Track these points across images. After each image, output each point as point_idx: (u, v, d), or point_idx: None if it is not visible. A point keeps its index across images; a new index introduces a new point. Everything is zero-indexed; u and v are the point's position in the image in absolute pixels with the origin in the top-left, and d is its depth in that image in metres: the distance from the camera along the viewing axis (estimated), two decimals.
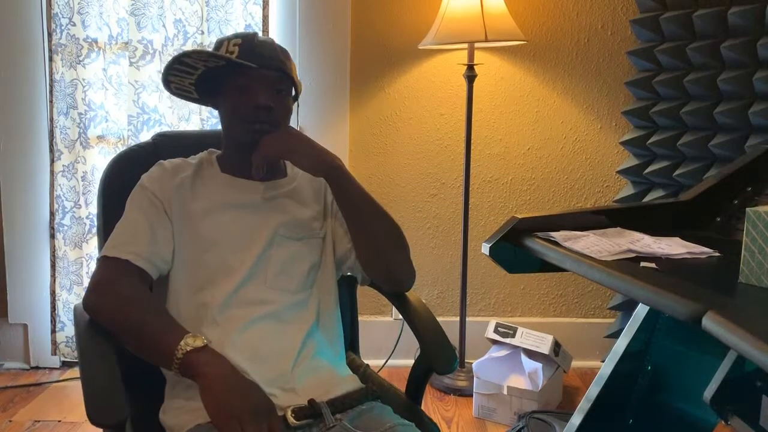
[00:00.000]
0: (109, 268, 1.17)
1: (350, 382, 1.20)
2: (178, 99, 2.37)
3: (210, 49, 1.25)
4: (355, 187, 1.25)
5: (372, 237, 1.26)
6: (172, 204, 1.23)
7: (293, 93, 1.31)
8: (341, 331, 1.31)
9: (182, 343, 1.05)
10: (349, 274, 1.36)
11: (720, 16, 1.94)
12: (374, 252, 1.26)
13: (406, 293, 1.34)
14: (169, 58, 2.35)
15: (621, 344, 1.22)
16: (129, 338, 1.12)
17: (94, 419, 0.97)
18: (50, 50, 2.39)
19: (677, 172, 2.12)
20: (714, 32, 1.98)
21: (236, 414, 0.99)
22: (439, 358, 1.21)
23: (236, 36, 1.25)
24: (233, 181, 1.28)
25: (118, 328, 1.12)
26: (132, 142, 2.39)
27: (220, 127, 2.54)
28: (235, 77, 1.22)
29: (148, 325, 1.10)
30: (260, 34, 1.27)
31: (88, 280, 1.19)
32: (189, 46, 2.40)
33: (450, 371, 1.23)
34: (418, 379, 1.29)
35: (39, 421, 2.13)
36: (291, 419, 1.08)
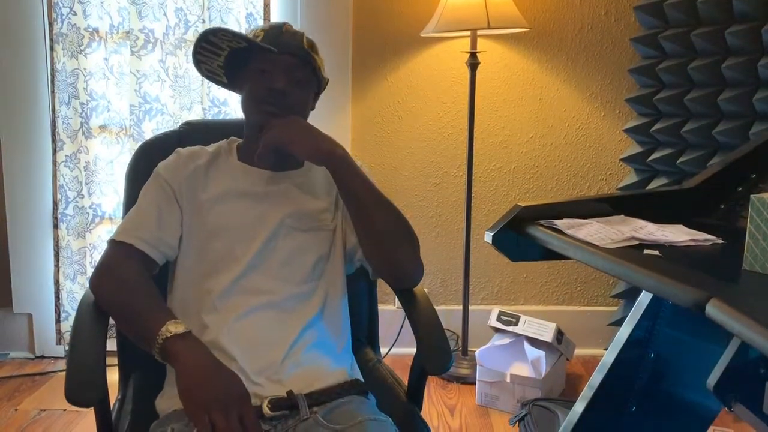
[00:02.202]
0: (113, 251, 1.19)
1: (336, 376, 1.18)
2: (180, 88, 2.39)
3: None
4: (358, 177, 1.23)
5: (375, 230, 1.22)
6: (183, 191, 1.24)
7: (317, 88, 1.32)
8: (347, 324, 1.30)
9: (163, 329, 1.05)
10: (362, 266, 1.35)
11: (725, 2, 1.92)
12: (377, 245, 1.23)
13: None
14: (171, 44, 2.37)
15: (624, 332, 1.22)
16: (121, 321, 1.15)
17: (69, 398, 0.99)
18: (51, 40, 2.39)
19: (681, 159, 2.11)
20: (718, 18, 1.96)
21: (205, 403, 0.99)
22: (432, 359, 1.17)
23: (268, 24, 1.27)
24: (246, 170, 1.28)
25: (113, 310, 1.15)
26: (134, 132, 2.39)
27: (222, 117, 2.55)
28: (256, 61, 1.23)
29: (136, 308, 1.12)
30: (289, 23, 1.29)
31: (92, 269, 1.21)
32: (190, 35, 2.39)
33: (442, 373, 1.20)
34: (416, 377, 1.26)
35: (44, 410, 2.15)
36: (266, 410, 1.07)
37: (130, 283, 1.15)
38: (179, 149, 1.30)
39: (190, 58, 2.38)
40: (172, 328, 1.06)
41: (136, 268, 1.17)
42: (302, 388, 1.12)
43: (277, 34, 1.24)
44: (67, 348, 2.53)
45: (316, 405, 1.11)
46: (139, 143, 1.47)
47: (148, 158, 1.35)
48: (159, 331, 1.05)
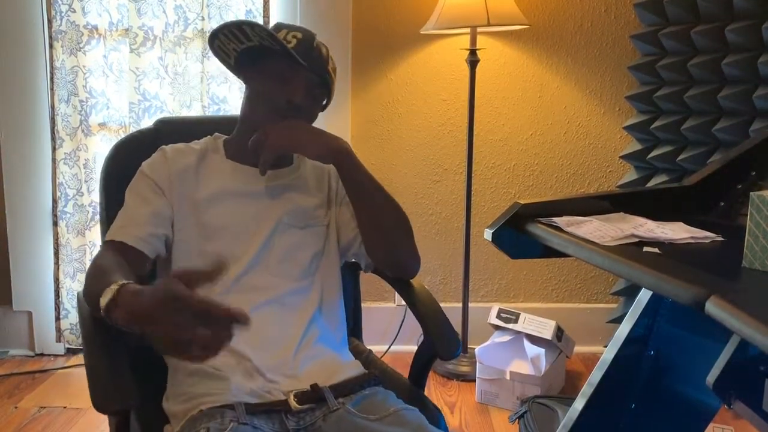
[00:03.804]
0: (101, 251, 1.18)
1: (352, 368, 1.20)
2: (180, 86, 2.39)
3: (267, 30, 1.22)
4: (363, 172, 1.26)
5: (379, 223, 1.25)
6: (174, 191, 1.23)
7: (325, 106, 1.33)
8: (344, 318, 1.32)
9: (102, 311, 0.93)
10: (353, 260, 1.36)
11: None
12: (381, 238, 1.26)
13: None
14: (170, 41, 2.36)
15: (623, 329, 1.22)
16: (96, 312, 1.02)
17: (99, 406, 0.96)
18: (50, 37, 2.39)
19: (681, 156, 2.11)
20: (719, 15, 1.96)
21: (155, 321, 0.82)
22: (443, 343, 1.22)
23: (297, 29, 1.25)
24: (238, 169, 1.27)
25: (91, 304, 1.05)
26: (133, 130, 2.39)
27: (221, 113, 2.55)
28: (282, 66, 1.22)
29: (96, 296, 0.97)
30: (317, 38, 1.29)
31: None
32: (189, 33, 2.39)
33: (453, 356, 1.24)
34: (422, 364, 1.29)
35: (44, 408, 2.15)
36: (294, 404, 1.08)
37: (102, 269, 1.06)
38: (164, 147, 1.28)
39: (190, 55, 2.41)
40: (103, 302, 0.93)
41: (115, 258, 1.11)
42: (321, 381, 1.13)
43: (309, 47, 1.24)
44: (66, 346, 2.54)
45: (341, 396, 1.12)
46: None
47: (123, 157, 1.34)
48: (103, 315, 0.94)
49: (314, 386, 1.11)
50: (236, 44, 1.24)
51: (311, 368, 1.15)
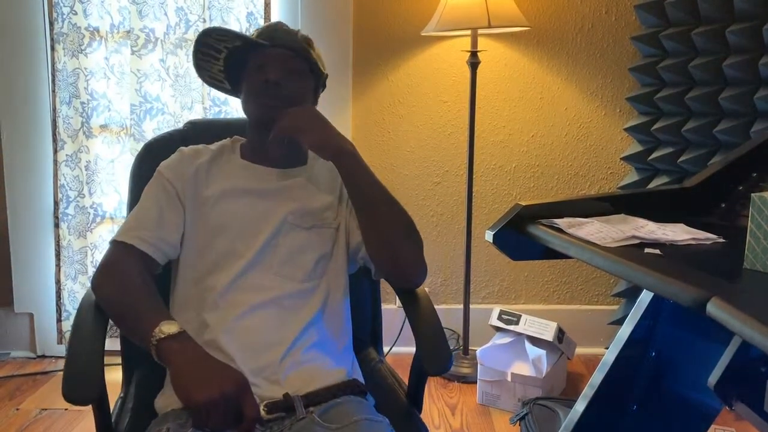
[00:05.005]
0: (115, 251, 1.20)
1: (334, 376, 1.17)
2: (181, 87, 2.39)
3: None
4: (365, 174, 1.23)
5: (380, 228, 1.22)
6: (186, 190, 1.24)
7: (316, 82, 1.33)
8: (349, 324, 1.29)
9: (156, 329, 1.05)
10: (366, 266, 1.34)
11: (725, 1, 1.92)
12: (382, 244, 1.23)
13: None
14: (171, 44, 2.37)
15: (625, 331, 1.22)
16: (119, 321, 1.16)
17: (66, 396, 1.01)
18: (52, 39, 2.39)
19: (682, 158, 2.11)
20: (719, 17, 1.96)
21: (202, 402, 1.00)
22: (431, 360, 1.16)
23: (264, 25, 1.31)
24: (249, 167, 1.28)
25: (112, 310, 1.15)
26: (135, 132, 2.39)
27: (223, 116, 2.55)
28: (253, 58, 1.25)
29: (134, 309, 1.12)
30: (283, 23, 1.32)
31: (93, 269, 1.22)
32: (191, 35, 2.39)
33: (441, 374, 1.20)
34: (416, 378, 1.25)
35: (45, 410, 2.15)
36: (263, 413, 1.08)
37: (129, 283, 1.15)
38: (182, 148, 1.31)
39: (191, 57, 2.39)
40: (165, 328, 1.06)
41: (136, 269, 1.17)
42: (300, 388, 1.12)
43: (272, 31, 1.27)
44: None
45: (313, 405, 1.11)
46: (140, 143, 1.47)
47: (151, 158, 1.35)
48: (153, 332, 1.05)
49: (286, 395, 1.10)
50: (217, 64, 1.29)
51: (296, 374, 1.14)
